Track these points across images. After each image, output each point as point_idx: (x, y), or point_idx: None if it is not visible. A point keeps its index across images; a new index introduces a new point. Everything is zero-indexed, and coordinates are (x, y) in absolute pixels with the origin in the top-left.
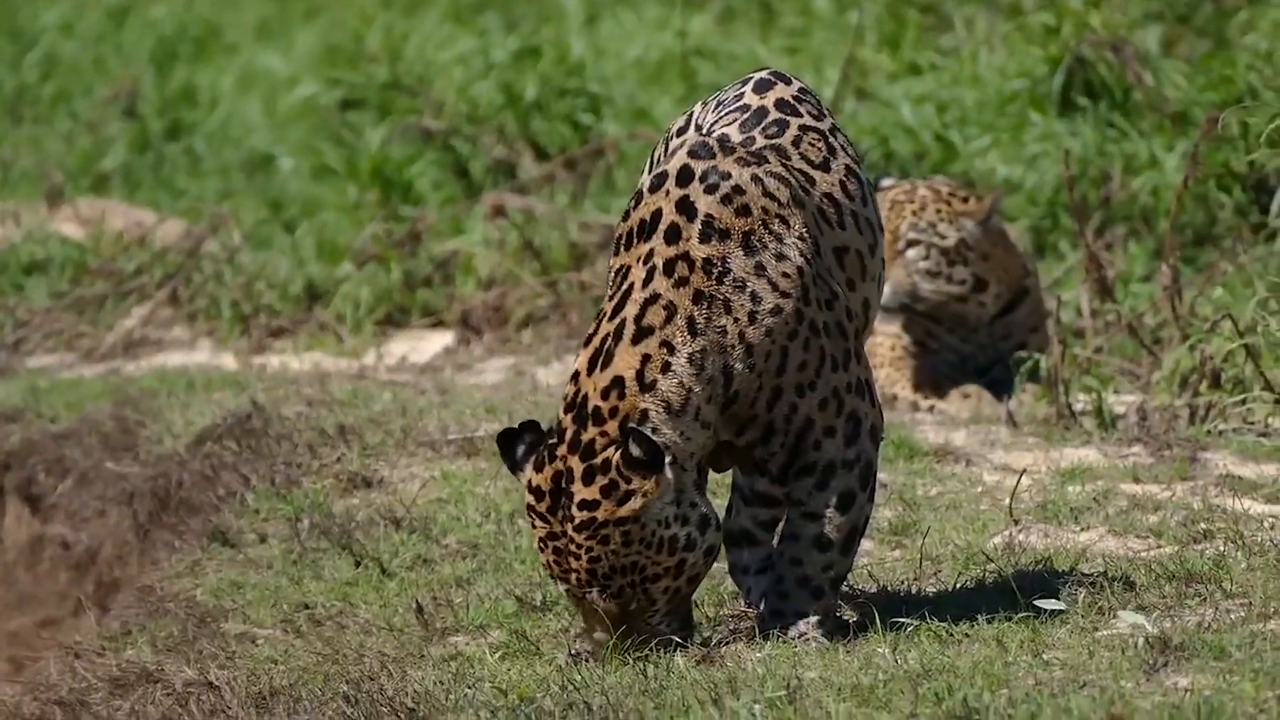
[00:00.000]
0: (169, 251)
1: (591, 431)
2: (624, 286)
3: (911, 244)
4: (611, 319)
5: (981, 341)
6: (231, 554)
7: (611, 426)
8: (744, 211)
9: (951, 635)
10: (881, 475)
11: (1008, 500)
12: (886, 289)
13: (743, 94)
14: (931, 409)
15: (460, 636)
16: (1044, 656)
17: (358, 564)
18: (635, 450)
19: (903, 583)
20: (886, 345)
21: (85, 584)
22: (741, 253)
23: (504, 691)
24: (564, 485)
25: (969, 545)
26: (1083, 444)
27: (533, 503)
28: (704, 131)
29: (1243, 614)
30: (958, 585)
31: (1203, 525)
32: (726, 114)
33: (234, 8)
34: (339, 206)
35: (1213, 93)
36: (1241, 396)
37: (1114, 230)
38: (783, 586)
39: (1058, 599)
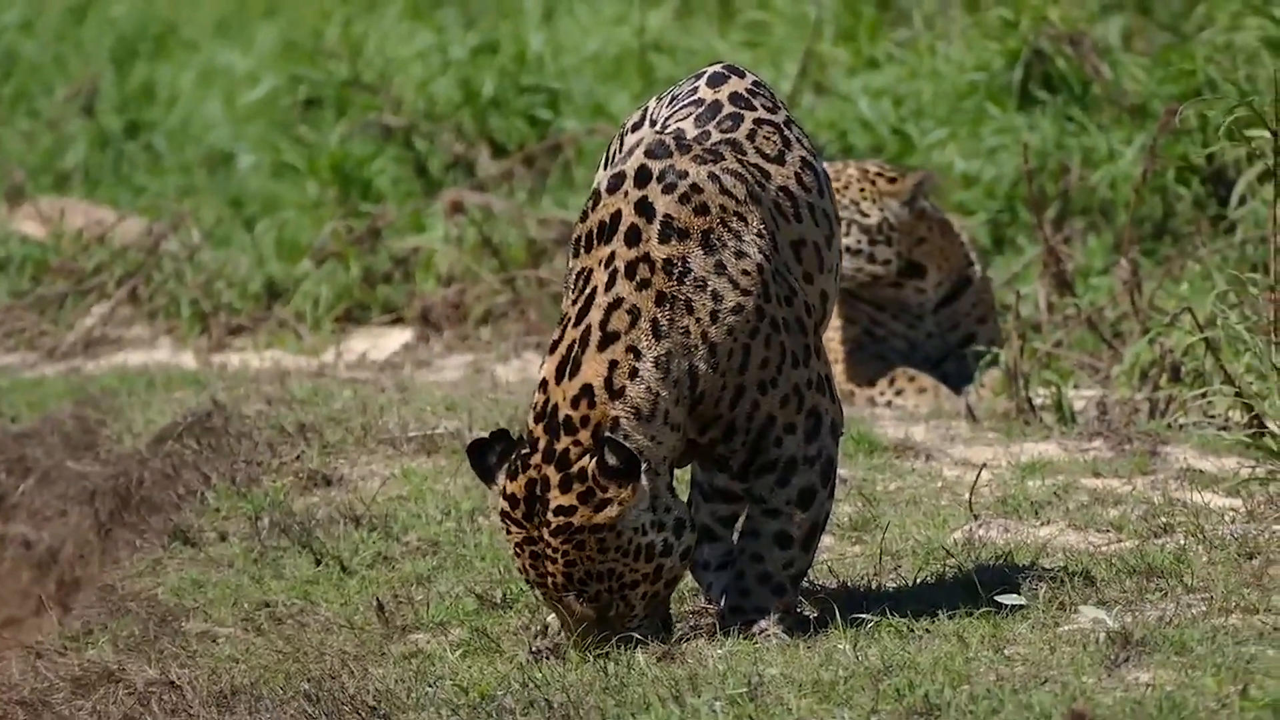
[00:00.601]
0: (129, 250)
1: (565, 441)
2: (586, 290)
3: None
4: (576, 325)
5: (929, 330)
6: (192, 553)
7: (584, 435)
8: (702, 210)
9: (912, 631)
10: (841, 471)
11: (968, 495)
12: None
13: (697, 88)
14: (889, 404)
15: (421, 634)
16: (1005, 652)
17: (318, 562)
18: (611, 459)
19: (863, 578)
20: (837, 340)
21: (47, 583)
22: (701, 252)
23: (465, 689)
24: (539, 492)
25: (929, 540)
26: (1043, 438)
27: (507, 509)
28: (659, 127)
29: (1204, 608)
30: (918, 580)
31: (1163, 519)
32: (681, 109)
33: (193, 5)
34: (299, 204)
35: (1171, 85)
36: (1202, 390)
37: (1073, 224)
38: (743, 583)
39: (1018, 594)
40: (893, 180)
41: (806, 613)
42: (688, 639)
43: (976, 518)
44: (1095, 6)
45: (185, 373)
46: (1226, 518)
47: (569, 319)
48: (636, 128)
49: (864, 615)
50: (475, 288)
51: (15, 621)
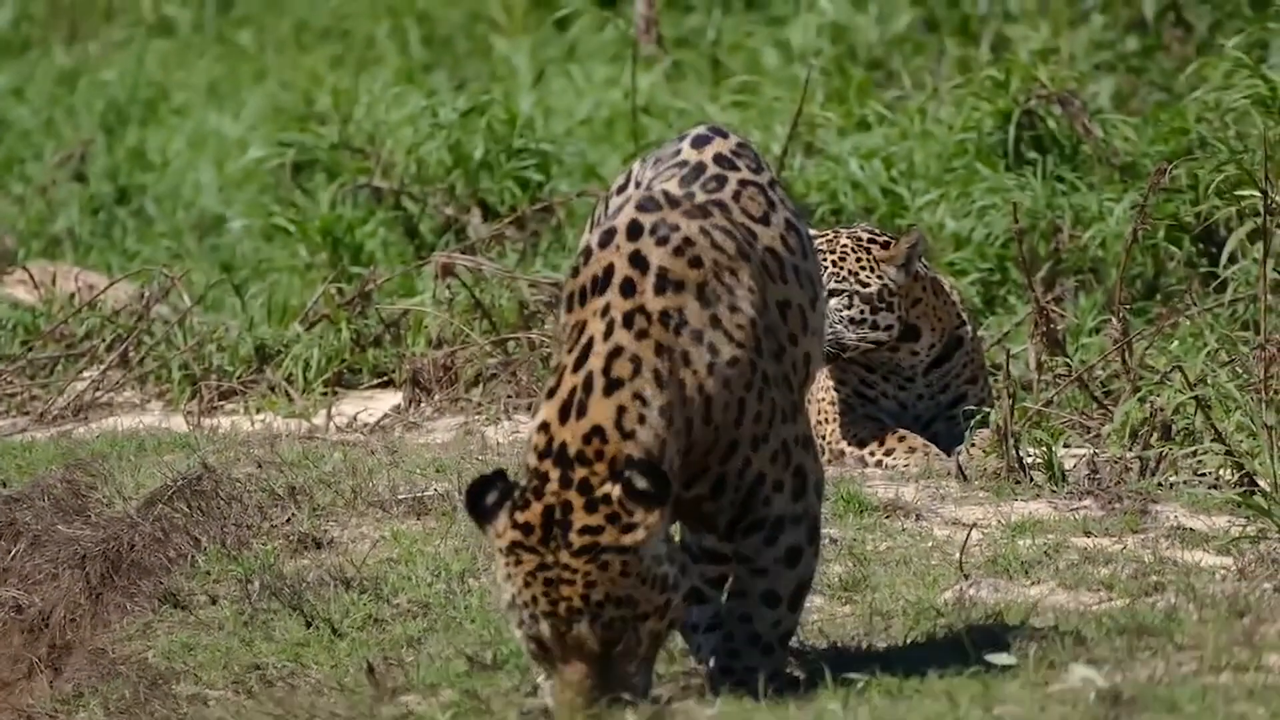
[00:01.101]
0: (120, 314)
1: (582, 471)
2: (583, 340)
3: (834, 293)
4: (575, 371)
5: (919, 391)
6: (183, 616)
7: (600, 467)
8: (696, 263)
9: (902, 691)
10: (831, 530)
11: (958, 554)
12: None
13: (680, 150)
14: (880, 464)
15: (411, 696)
16: (995, 711)
17: (309, 624)
18: (640, 482)
19: (853, 638)
20: (827, 401)
21: (38, 647)
22: (697, 305)
23: None
24: (560, 516)
25: (919, 600)
26: (1033, 497)
27: (520, 538)
28: (644, 189)
29: (1194, 666)
30: (908, 640)
31: (1154, 578)
32: (665, 170)
33: (184, 70)
34: (290, 267)
35: (1162, 145)
36: (1192, 449)
37: (1064, 283)
38: (733, 644)
39: (1008, 653)
40: (886, 245)
41: (796, 673)
42: (678, 700)
43: (967, 577)
44: (1086, 67)
45: (175, 436)
46: (1217, 576)
47: (566, 367)
48: (622, 190)
49: (854, 675)
50: (466, 350)
51: (7, 685)
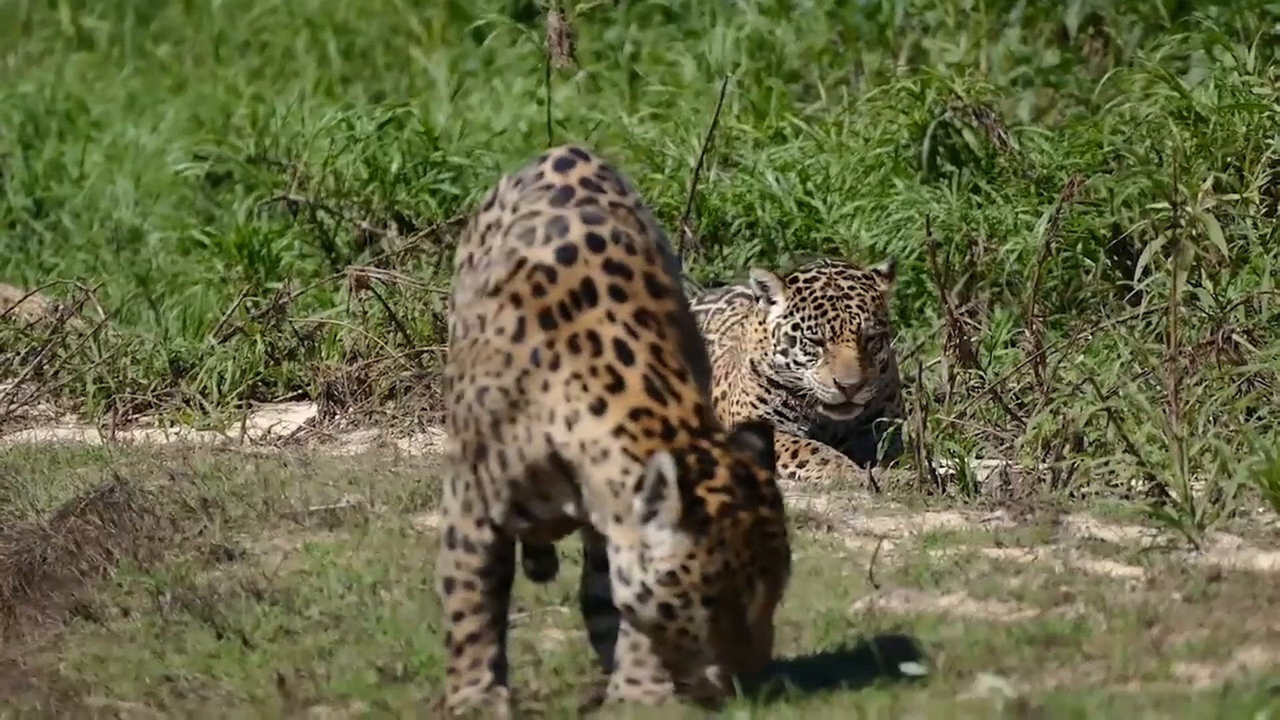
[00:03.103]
0: (35, 327)
1: (719, 437)
2: (607, 343)
3: (870, 338)
4: (629, 365)
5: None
6: (95, 628)
7: (724, 436)
8: (666, 269)
9: (811, 702)
10: None
11: (869, 565)
12: (865, 389)
13: (543, 173)
14: (793, 476)
15: (322, 707)
16: None
17: (220, 636)
18: (759, 443)
19: None
20: (743, 416)
21: None
22: (680, 308)
23: None
24: (746, 475)
25: (830, 611)
26: (945, 508)
27: (729, 500)
28: (512, 210)
29: (1102, 676)
30: (818, 651)
31: (1064, 588)
32: (530, 192)
33: (102, 83)
34: (206, 280)
35: (1077, 157)
36: (1104, 460)
37: (979, 296)
38: (638, 653)
39: (918, 663)
40: (878, 279)
41: None
42: (587, 709)
43: (878, 588)
44: (1004, 80)
45: (89, 449)
46: (1127, 586)
47: (608, 365)
48: (489, 207)
49: (762, 686)
50: (380, 363)
51: None
